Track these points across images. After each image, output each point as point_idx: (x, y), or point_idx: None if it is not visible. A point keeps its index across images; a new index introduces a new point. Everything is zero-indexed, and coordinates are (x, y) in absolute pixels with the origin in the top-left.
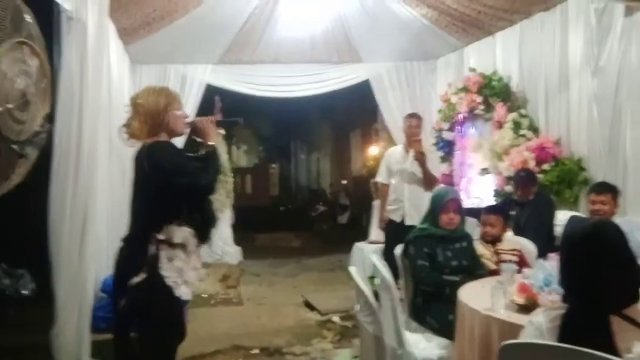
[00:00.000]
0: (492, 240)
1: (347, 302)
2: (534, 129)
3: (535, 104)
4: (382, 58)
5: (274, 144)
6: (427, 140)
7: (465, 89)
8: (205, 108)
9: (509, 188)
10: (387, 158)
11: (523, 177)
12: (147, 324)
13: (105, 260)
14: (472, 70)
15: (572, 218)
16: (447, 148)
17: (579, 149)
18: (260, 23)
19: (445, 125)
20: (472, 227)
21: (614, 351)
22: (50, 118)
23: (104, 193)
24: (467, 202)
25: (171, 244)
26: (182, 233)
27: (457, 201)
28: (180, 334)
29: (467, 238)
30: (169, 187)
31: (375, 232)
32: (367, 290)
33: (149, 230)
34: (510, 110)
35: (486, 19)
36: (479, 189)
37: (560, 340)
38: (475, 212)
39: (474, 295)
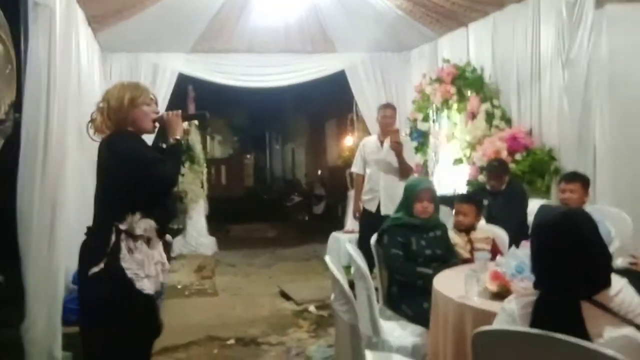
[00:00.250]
0: (466, 229)
1: (322, 291)
2: (507, 120)
3: (507, 95)
4: (357, 48)
5: (248, 134)
6: (402, 130)
7: (439, 80)
8: (178, 98)
9: (482, 178)
10: (361, 148)
11: (495, 167)
12: (103, 315)
13: (76, 252)
14: (446, 61)
15: (542, 207)
16: (421, 138)
17: (550, 139)
18: (234, 11)
19: (420, 116)
20: (446, 216)
21: (586, 336)
22: (16, 107)
23: (74, 183)
24: (440, 192)
25: (132, 235)
26: (144, 225)
27: (430, 190)
28: (153, 328)
29: (441, 227)
30: (126, 177)
31: (351, 222)
32: (342, 279)
33: (110, 220)
34: (483, 101)
35: (460, 10)
36: (452, 179)
37: (532, 326)
38: (448, 201)
39: (448, 284)
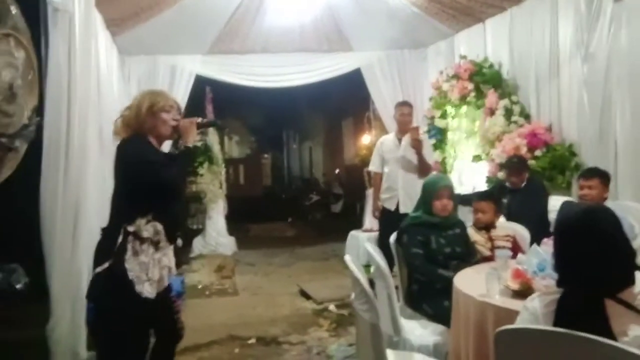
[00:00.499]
0: (486, 227)
1: (342, 290)
2: (526, 116)
3: (526, 90)
4: (372, 46)
5: (265, 134)
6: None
7: (456, 77)
8: (195, 99)
9: (501, 175)
10: (379, 146)
11: (515, 163)
12: (104, 313)
13: None
14: (463, 57)
15: (565, 203)
16: (439, 136)
17: (570, 134)
18: (250, 12)
19: (437, 113)
20: (465, 214)
21: (610, 335)
22: (38, 111)
23: (96, 185)
24: (459, 190)
25: (140, 238)
26: (152, 228)
27: (449, 188)
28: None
29: (461, 225)
30: (132, 180)
31: (369, 221)
32: (362, 278)
33: (120, 221)
34: (501, 97)
35: (476, 5)
36: (471, 176)
37: (555, 325)
38: (467, 200)
39: (469, 282)
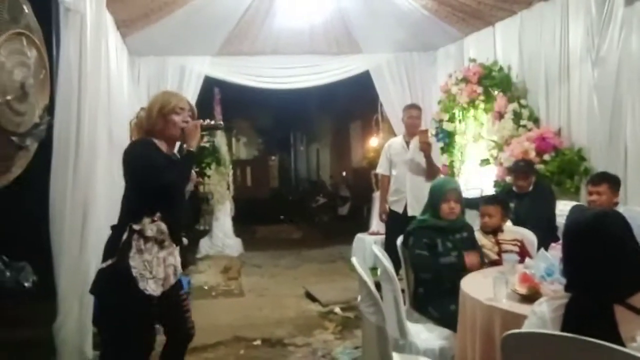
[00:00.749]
0: (493, 231)
1: (348, 293)
2: (535, 120)
3: (535, 94)
4: (381, 49)
5: (273, 135)
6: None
7: (465, 80)
8: (204, 100)
9: (509, 179)
10: (387, 149)
11: (522, 167)
12: (103, 308)
13: None
14: (472, 60)
15: (575, 207)
16: (447, 139)
17: (580, 139)
18: (260, 14)
19: (445, 116)
20: (472, 218)
21: (618, 340)
22: (49, 110)
23: (105, 185)
24: (467, 193)
25: (144, 236)
26: (156, 227)
27: (456, 191)
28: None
29: (468, 229)
30: (136, 181)
31: (376, 224)
32: (369, 281)
33: (127, 220)
34: (510, 100)
35: (486, 9)
36: (479, 180)
37: (564, 329)
38: (474, 204)
39: (476, 286)
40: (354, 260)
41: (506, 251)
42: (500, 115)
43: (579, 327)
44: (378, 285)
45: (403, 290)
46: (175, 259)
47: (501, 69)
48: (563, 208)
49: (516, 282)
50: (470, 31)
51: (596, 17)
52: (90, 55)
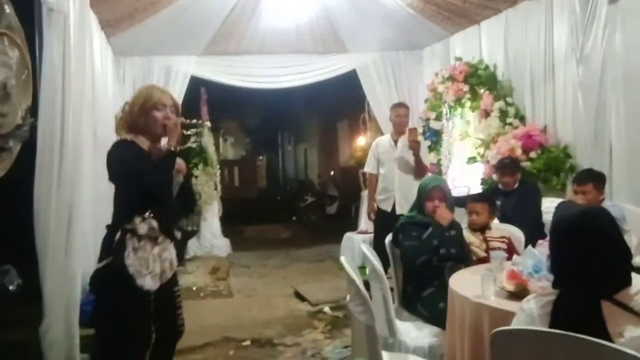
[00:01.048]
0: (481, 228)
1: (337, 292)
2: (521, 117)
3: (521, 92)
4: (368, 48)
5: (260, 135)
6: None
7: (451, 78)
8: (191, 100)
9: (496, 177)
10: (374, 148)
11: (507, 164)
12: (101, 308)
13: (92, 254)
14: (458, 59)
15: (561, 204)
16: (434, 137)
17: (565, 136)
18: (245, 13)
19: (432, 115)
20: (460, 216)
21: (606, 336)
22: (32, 111)
23: (90, 186)
24: (454, 191)
25: (137, 235)
26: (147, 225)
27: (440, 189)
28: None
29: (456, 227)
30: (120, 185)
31: (365, 223)
32: (357, 280)
33: (119, 219)
34: (496, 98)
35: (472, 7)
36: (466, 178)
37: (552, 326)
38: (461, 202)
39: (464, 283)
40: (342, 259)
41: (494, 248)
42: (487, 114)
43: (567, 323)
44: (367, 284)
45: (392, 289)
46: (171, 253)
47: (487, 67)
48: (549, 205)
49: (504, 279)
50: (456, 30)
51: (580, 16)
52: (74, 56)
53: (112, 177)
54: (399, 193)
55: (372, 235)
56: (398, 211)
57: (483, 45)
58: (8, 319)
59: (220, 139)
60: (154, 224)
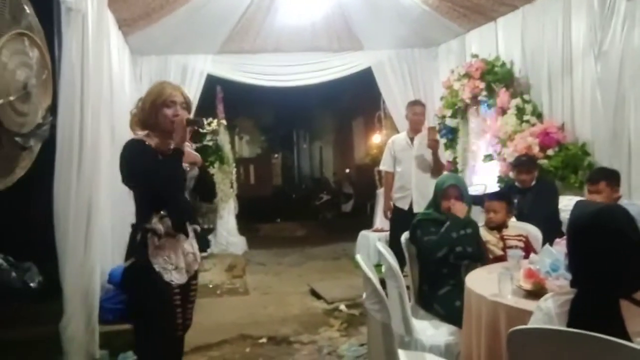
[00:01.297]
0: (498, 227)
1: (352, 290)
2: (538, 115)
3: (538, 89)
4: (383, 45)
5: (276, 133)
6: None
7: (467, 75)
8: (207, 98)
9: (512, 174)
10: (391, 146)
11: (524, 162)
12: (137, 306)
13: (111, 252)
14: (475, 56)
15: (578, 203)
16: (450, 135)
17: (583, 134)
18: (261, 11)
19: (448, 112)
20: (476, 214)
21: (624, 336)
22: (52, 110)
23: (108, 184)
24: (471, 189)
25: (157, 234)
26: (166, 223)
27: (457, 187)
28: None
29: (472, 225)
30: (130, 183)
31: (380, 221)
32: (373, 278)
33: (140, 218)
34: (513, 96)
35: (488, 4)
36: (482, 175)
37: (570, 325)
38: (478, 201)
39: (481, 282)
40: (358, 257)
41: (511, 247)
42: (503, 111)
43: (585, 322)
44: (383, 282)
45: (408, 287)
46: (193, 246)
47: (503, 64)
48: (567, 203)
49: (521, 278)
50: (472, 27)
51: (599, 12)
52: (92, 55)
53: (124, 180)
54: (416, 191)
55: (387, 233)
56: (415, 209)
57: (500, 42)
58: (29, 315)
59: (236, 137)
60: (169, 221)
